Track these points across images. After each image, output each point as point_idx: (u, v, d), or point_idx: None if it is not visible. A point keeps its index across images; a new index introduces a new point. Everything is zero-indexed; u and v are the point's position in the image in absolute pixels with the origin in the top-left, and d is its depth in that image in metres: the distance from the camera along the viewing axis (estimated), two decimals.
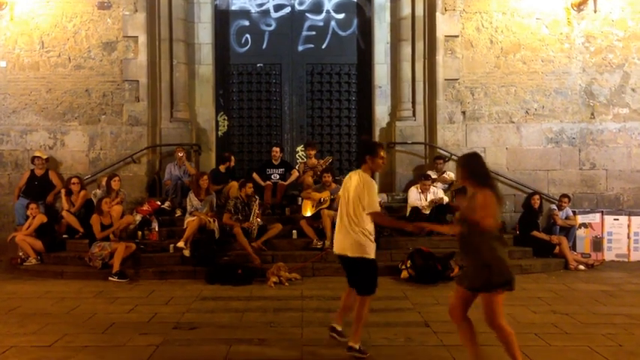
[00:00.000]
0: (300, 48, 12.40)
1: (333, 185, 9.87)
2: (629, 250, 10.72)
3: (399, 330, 5.87)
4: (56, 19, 11.18)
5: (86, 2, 11.17)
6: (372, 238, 5.15)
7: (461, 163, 4.56)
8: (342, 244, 5.20)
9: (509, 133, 11.38)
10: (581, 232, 10.73)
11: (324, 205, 9.73)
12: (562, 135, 11.38)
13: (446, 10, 11.26)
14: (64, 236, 10.08)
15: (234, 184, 10.56)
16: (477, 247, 4.29)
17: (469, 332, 4.50)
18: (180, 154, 10.88)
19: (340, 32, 12.41)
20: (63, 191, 10.30)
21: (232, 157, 11.25)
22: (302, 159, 12.21)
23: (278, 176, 10.91)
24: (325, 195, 9.85)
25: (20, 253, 9.65)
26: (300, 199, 10.69)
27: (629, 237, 10.73)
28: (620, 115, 11.39)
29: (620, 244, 10.73)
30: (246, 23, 12.40)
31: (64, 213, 10.14)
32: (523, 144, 11.39)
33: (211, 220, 9.53)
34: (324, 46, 12.40)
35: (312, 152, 11.03)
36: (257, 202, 9.72)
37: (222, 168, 11.07)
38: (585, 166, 11.40)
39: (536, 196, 10.38)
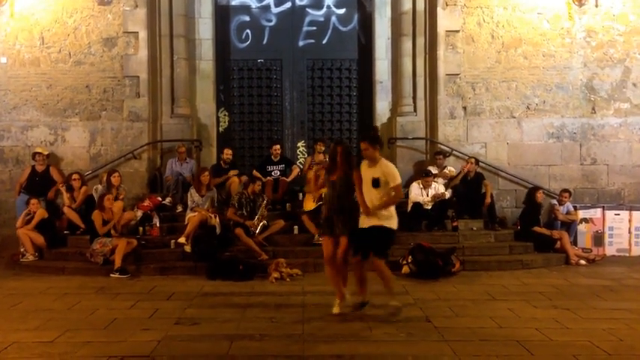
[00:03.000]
0: (301, 43, 12.36)
1: None
2: (630, 244, 10.72)
3: (400, 325, 5.86)
4: (56, 15, 11.16)
5: None
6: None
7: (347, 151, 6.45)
8: None
9: (511, 128, 11.37)
10: (582, 227, 10.74)
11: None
12: (563, 130, 11.37)
13: (447, 5, 11.22)
14: (66, 232, 10.09)
15: (236, 179, 10.58)
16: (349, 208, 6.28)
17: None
18: (182, 150, 10.91)
19: (341, 27, 12.36)
20: (62, 187, 10.28)
21: (226, 150, 11.12)
22: (303, 155, 12.20)
23: (278, 172, 10.90)
24: (325, 191, 9.82)
25: (22, 249, 9.66)
26: (300, 194, 10.72)
27: (630, 232, 10.72)
28: (621, 110, 11.37)
29: (621, 238, 10.73)
30: (247, 19, 12.36)
31: (65, 209, 10.14)
32: (524, 139, 11.37)
33: (212, 215, 9.53)
34: (324, 42, 12.35)
35: (322, 148, 10.95)
36: (264, 202, 9.69)
37: (222, 163, 11.06)
38: (586, 161, 11.39)
39: (540, 191, 10.37)
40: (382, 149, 6.44)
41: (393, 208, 6.25)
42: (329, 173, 6.53)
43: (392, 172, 6.19)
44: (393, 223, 6.20)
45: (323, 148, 10.91)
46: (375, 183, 6.11)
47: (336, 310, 6.27)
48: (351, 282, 6.41)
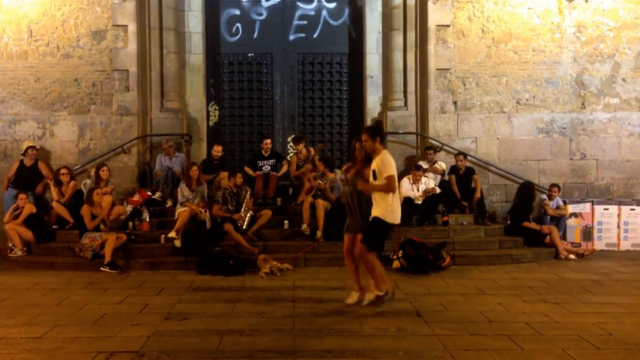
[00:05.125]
0: (292, 37, 12.32)
1: (330, 175, 9.84)
2: (618, 239, 10.79)
3: (390, 320, 5.88)
4: (45, 7, 11.05)
5: None
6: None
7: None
8: None
9: (501, 123, 11.40)
10: (571, 222, 10.80)
11: (310, 194, 9.72)
12: (553, 125, 11.41)
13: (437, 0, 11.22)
14: (54, 227, 10.02)
15: (225, 174, 10.52)
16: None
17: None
18: (167, 146, 10.81)
19: (331, 21, 12.34)
20: (51, 182, 10.20)
21: (215, 146, 11.05)
22: (294, 149, 12.17)
23: (269, 167, 10.87)
24: (314, 184, 9.83)
25: (10, 244, 9.59)
26: (290, 189, 10.79)
27: (618, 226, 10.80)
28: (610, 105, 11.42)
29: (610, 233, 10.80)
30: (237, 12, 12.31)
31: (53, 204, 10.06)
32: (514, 134, 11.41)
33: (202, 210, 9.48)
34: (315, 36, 12.33)
35: (300, 146, 10.88)
36: (248, 193, 9.66)
37: (212, 159, 10.98)
38: (576, 156, 11.44)
39: (534, 187, 10.42)
40: (384, 141, 6.61)
41: (397, 203, 6.34)
42: (347, 172, 6.86)
43: (385, 164, 6.19)
44: (389, 217, 6.22)
45: (302, 146, 10.85)
46: (374, 175, 6.29)
47: (350, 300, 6.49)
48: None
